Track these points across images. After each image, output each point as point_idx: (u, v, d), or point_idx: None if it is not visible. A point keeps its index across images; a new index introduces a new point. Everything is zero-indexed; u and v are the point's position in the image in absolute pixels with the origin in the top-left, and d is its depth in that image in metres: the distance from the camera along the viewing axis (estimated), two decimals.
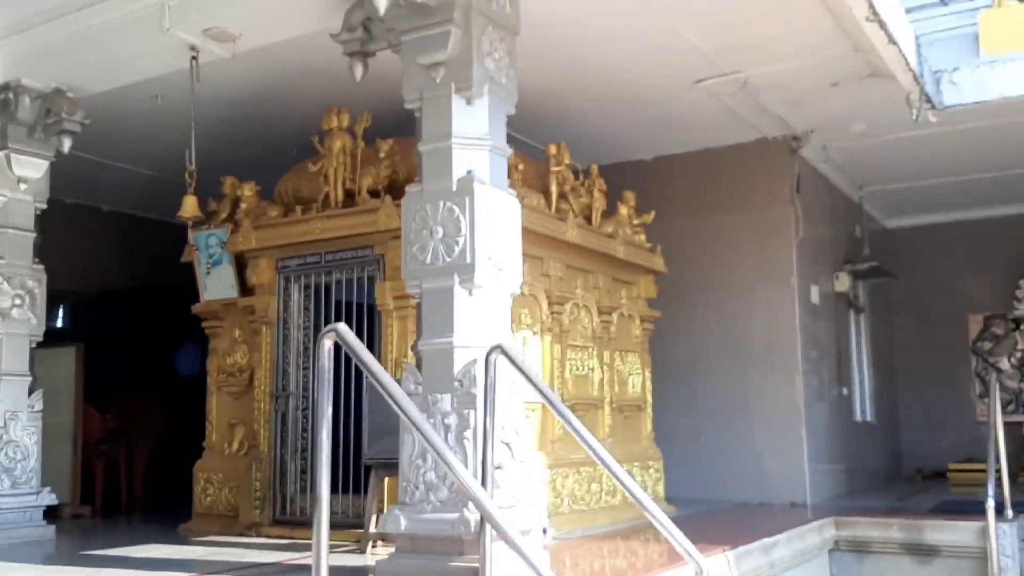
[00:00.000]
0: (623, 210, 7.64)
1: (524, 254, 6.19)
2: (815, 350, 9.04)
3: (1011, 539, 6.56)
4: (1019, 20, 6.74)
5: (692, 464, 8.50)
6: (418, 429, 2.86)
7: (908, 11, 6.66)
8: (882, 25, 5.51)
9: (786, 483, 8.35)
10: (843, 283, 9.76)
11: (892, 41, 5.75)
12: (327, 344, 3.16)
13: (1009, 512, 6.73)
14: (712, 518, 7.43)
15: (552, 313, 6.54)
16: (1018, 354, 11.24)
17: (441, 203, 4.30)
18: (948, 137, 8.42)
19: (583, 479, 6.47)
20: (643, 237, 7.82)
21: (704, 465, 8.59)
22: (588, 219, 7.16)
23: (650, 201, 7.94)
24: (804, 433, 8.42)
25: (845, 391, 9.88)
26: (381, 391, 3.01)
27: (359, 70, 4.88)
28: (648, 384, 7.76)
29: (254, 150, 8.15)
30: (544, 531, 5.89)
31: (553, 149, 6.82)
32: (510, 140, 7.71)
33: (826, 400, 9.22)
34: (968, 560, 6.62)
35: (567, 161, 6.92)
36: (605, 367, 7.18)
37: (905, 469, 11.37)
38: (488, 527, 3.81)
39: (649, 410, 7.76)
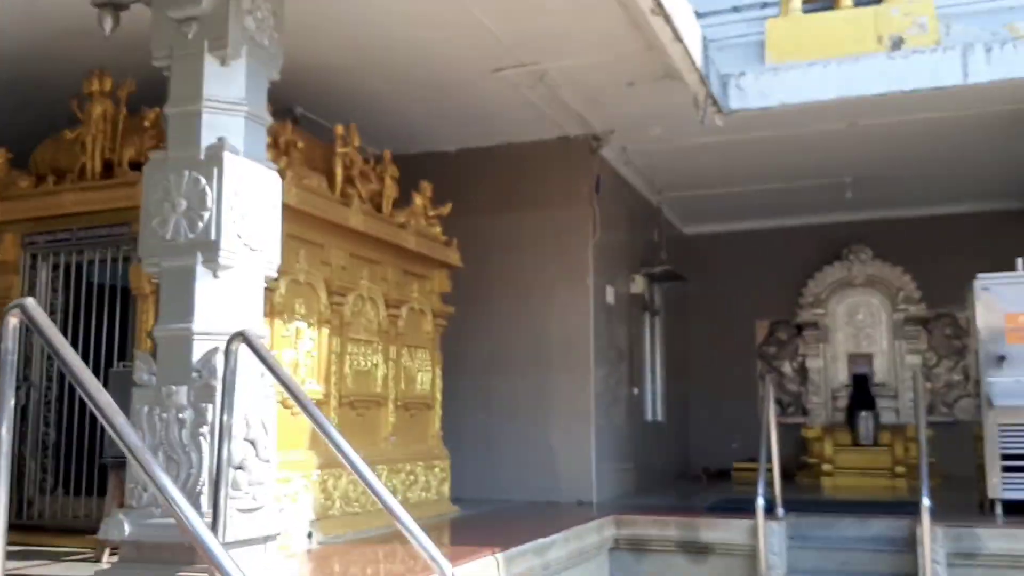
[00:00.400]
0: (418, 200, 7.37)
1: (302, 239, 5.87)
2: (609, 350, 9.09)
3: (779, 537, 6.74)
4: (804, 29, 6.97)
5: (484, 464, 8.38)
6: (107, 422, 2.45)
7: (701, 15, 6.74)
8: (667, 20, 5.48)
9: (575, 482, 8.33)
10: (639, 285, 9.90)
11: (678, 38, 5.74)
12: (12, 322, 2.70)
13: (780, 511, 6.92)
14: (494, 518, 7.27)
15: (332, 304, 6.17)
16: (799, 358, 11.78)
17: (186, 172, 3.88)
18: (738, 146, 8.66)
19: (357, 480, 6.11)
20: (439, 230, 7.57)
21: (496, 465, 8.47)
22: (379, 207, 6.85)
23: (452, 194, 7.71)
24: (593, 432, 8.42)
25: (636, 391, 10.01)
26: (71, 378, 2.58)
27: (108, 24, 4.45)
28: (438, 382, 7.53)
29: (26, 116, 7.32)
30: (309, 535, 5.55)
31: (340, 130, 6.46)
32: (301, 119, 7.37)
33: (617, 400, 9.28)
34: (739, 558, 6.74)
35: (356, 143, 6.58)
36: (391, 363, 6.88)
37: (693, 468, 11.70)
38: (219, 534, 3.44)
39: (438, 408, 7.53)
